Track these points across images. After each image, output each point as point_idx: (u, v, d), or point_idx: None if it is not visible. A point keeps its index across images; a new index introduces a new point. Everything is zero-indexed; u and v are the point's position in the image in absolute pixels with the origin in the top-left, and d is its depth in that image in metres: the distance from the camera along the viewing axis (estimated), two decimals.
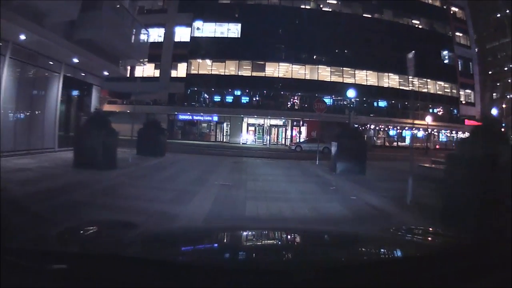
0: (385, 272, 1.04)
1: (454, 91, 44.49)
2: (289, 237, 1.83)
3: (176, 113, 37.80)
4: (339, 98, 36.62)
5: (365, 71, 37.24)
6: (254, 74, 35.32)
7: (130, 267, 0.97)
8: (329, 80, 35.70)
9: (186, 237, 1.68)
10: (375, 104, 38.51)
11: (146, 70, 40.54)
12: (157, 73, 40.01)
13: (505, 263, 1.08)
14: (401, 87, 39.38)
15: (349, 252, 1.48)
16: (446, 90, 43.59)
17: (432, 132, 41.79)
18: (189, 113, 37.30)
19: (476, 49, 49.42)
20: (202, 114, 36.75)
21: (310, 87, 35.11)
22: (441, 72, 42.13)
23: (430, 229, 2.37)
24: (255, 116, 35.10)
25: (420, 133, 42.35)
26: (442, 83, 43.39)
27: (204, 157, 16.30)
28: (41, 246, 1.10)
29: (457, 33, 46.28)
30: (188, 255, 1.38)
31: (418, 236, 1.85)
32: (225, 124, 36.79)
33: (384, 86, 38.28)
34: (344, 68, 36.30)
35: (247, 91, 36.21)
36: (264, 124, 35.99)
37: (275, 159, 17.15)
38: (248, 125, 36.39)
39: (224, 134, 36.74)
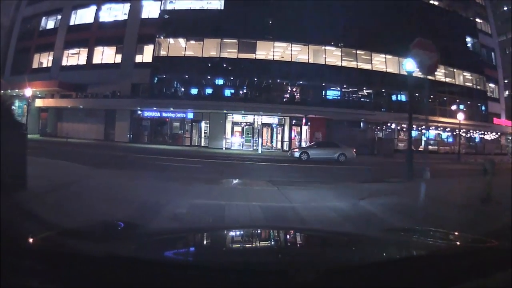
0: (385, 272, 1.03)
1: (479, 86, 37.25)
2: (289, 237, 1.82)
3: (139, 108, 29.05)
4: (351, 89, 28.40)
5: (383, 55, 29.07)
6: (242, 56, 26.76)
7: (130, 267, 0.97)
8: (339, 65, 27.35)
9: (186, 237, 1.69)
10: (394, 97, 30.40)
11: (106, 56, 32.32)
12: (118, 58, 31.44)
13: (505, 263, 1.09)
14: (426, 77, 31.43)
15: (349, 252, 1.50)
16: (469, 83, 36.21)
17: (459, 132, 34.12)
18: (156, 109, 28.56)
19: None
20: (173, 109, 28.07)
21: (314, 74, 26.75)
22: (465, 61, 34.85)
23: (430, 229, 2.19)
24: (243, 112, 26.49)
25: (445, 134, 34.70)
26: (468, 74, 35.91)
27: (136, 185, 7.25)
28: (41, 246, 1.09)
29: (478, 20, 39.46)
30: (187, 255, 1.38)
31: (418, 236, 1.86)
32: (203, 123, 28.12)
33: (405, 74, 30.05)
34: (358, 52, 28.02)
35: (231, 79, 27.61)
36: (254, 123, 27.42)
37: (296, 187, 8.15)
38: (234, 124, 27.77)
39: (203, 136, 28.06)
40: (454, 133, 34.39)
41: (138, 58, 30.67)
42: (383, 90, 29.23)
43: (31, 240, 1.15)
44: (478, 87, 37.00)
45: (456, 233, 1.83)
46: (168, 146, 26.08)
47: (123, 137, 29.96)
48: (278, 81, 27.38)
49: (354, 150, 20.01)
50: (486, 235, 1.65)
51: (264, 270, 1.04)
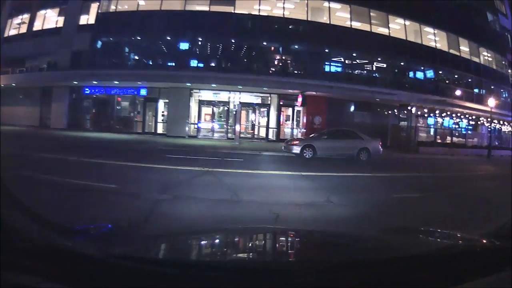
0: (385, 272, 1.03)
1: (503, 70, 31.58)
2: (289, 237, 1.78)
3: (76, 83, 21.52)
4: (361, 60, 21.44)
5: (402, 19, 22.22)
6: (215, 9, 19.36)
7: (130, 267, 0.97)
8: (348, 26, 20.30)
9: (186, 237, 1.67)
10: (413, 74, 23.63)
11: (49, 20, 24.87)
12: (61, 22, 24.07)
13: (505, 263, 1.09)
14: (451, 50, 24.86)
15: (349, 252, 1.48)
16: (492, 65, 30.16)
17: (488, 122, 27.93)
18: (98, 83, 21.02)
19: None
20: (120, 84, 20.55)
21: (314, 36, 19.62)
22: (488, 39, 28.89)
23: (430, 229, 2.17)
24: (214, 86, 19.04)
25: (469, 124, 28.12)
26: (490, 55, 29.88)
27: None
28: (41, 246, 1.08)
29: None
30: (187, 255, 1.35)
31: (418, 236, 1.83)
32: (161, 103, 20.63)
33: (430, 45, 23.49)
34: (371, 12, 21.05)
35: (200, 41, 20.14)
36: (230, 102, 20.07)
37: None
38: (202, 103, 20.33)
39: (159, 120, 20.55)
40: (479, 123, 28.17)
41: (83, 20, 23.26)
42: (402, 63, 22.39)
43: (31, 240, 1.11)
44: (501, 70, 31.25)
45: (456, 233, 1.81)
46: (112, 135, 18.69)
47: (59, 122, 22.75)
48: (265, 44, 19.95)
49: (380, 143, 13.27)
50: (486, 235, 1.60)
51: (264, 270, 1.04)
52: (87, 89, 22.14)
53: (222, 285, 0.92)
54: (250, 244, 1.59)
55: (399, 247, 1.53)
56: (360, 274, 1.00)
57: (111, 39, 21.52)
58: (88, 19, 23.17)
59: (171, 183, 6.38)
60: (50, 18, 24.89)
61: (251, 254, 1.43)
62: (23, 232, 1.12)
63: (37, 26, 25.19)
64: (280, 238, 1.73)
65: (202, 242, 1.57)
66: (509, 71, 33.81)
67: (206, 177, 7.33)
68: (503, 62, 31.35)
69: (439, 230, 1.97)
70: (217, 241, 1.62)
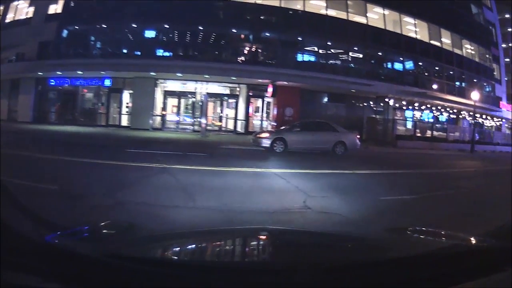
0: (385, 272, 1.03)
1: (486, 63, 31.15)
2: (289, 237, 1.78)
3: (40, 73, 20.52)
4: (337, 50, 20.62)
5: (380, 8, 21.46)
6: None
7: (130, 267, 0.96)
8: (323, 14, 19.45)
9: (186, 238, 1.66)
10: (391, 65, 22.91)
11: (20, 11, 24.12)
12: (31, 12, 23.41)
13: (505, 263, 1.10)
14: (432, 41, 24.20)
15: (349, 252, 1.48)
16: (476, 58, 29.67)
17: (465, 116, 27.42)
18: (62, 74, 20.01)
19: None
20: (83, 74, 19.51)
21: (287, 24, 18.76)
22: (471, 31, 28.43)
23: (431, 229, 2.14)
24: (179, 76, 18.06)
25: (445, 117, 27.39)
26: (473, 48, 29.39)
27: None
28: (41, 246, 1.08)
29: None
30: (187, 255, 1.37)
31: (418, 236, 1.85)
32: (125, 93, 19.62)
33: (410, 36, 22.81)
34: (348, 0, 20.25)
35: (166, 29, 19.12)
36: (196, 93, 19.13)
37: None
38: (167, 93, 19.32)
39: (124, 112, 19.54)
40: (460, 116, 27.56)
41: (52, 9, 22.34)
42: (380, 53, 21.63)
43: (32, 240, 1.10)
44: (484, 63, 30.79)
45: (456, 233, 1.80)
46: (76, 128, 17.70)
47: (26, 115, 21.81)
48: (234, 32, 19.01)
49: (358, 136, 12.53)
50: (486, 235, 1.61)
51: (264, 270, 1.03)
52: (52, 81, 21.27)
53: (222, 285, 0.91)
54: (247, 245, 1.57)
55: (398, 247, 1.51)
56: (359, 274, 0.98)
57: (76, 27, 20.52)
58: (56, 8, 22.37)
59: (119, 183, 5.39)
60: (22, 9, 24.07)
61: (248, 254, 1.40)
62: (23, 232, 1.08)
63: (9, 17, 24.38)
64: (280, 238, 1.70)
65: (202, 243, 1.53)
66: (494, 65, 33.59)
67: (161, 175, 6.33)
68: (487, 56, 30.87)
69: (438, 230, 1.96)
70: (217, 241, 1.59)
